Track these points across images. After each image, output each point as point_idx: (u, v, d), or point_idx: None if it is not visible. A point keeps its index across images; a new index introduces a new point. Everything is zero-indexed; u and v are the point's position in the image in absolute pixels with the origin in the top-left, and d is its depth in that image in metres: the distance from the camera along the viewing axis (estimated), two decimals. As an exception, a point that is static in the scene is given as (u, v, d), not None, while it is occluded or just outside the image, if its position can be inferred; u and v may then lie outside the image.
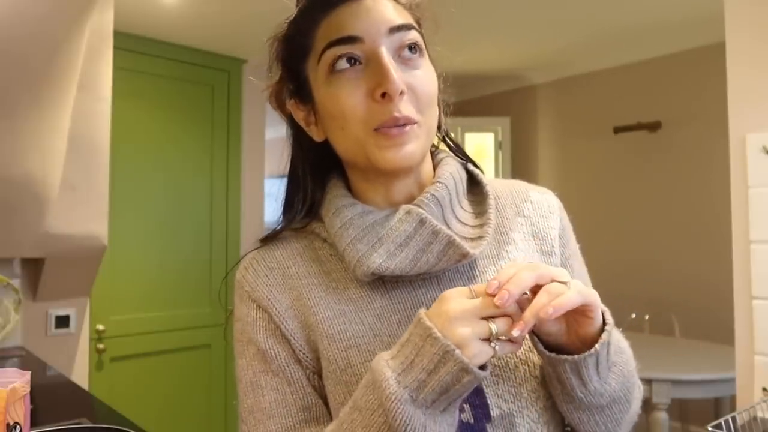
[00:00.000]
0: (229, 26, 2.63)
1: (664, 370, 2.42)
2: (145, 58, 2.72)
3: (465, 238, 0.62)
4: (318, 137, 0.66)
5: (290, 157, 0.69)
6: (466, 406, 0.59)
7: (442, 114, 0.71)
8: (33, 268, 2.04)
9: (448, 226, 0.63)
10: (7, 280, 1.52)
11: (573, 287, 0.53)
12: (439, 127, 0.70)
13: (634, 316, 3.55)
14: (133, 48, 2.64)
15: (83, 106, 1.84)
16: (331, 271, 0.65)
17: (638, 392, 0.68)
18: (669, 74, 3.76)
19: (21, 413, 0.56)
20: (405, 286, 0.63)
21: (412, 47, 0.62)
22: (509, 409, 0.59)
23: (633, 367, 0.67)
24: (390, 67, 0.58)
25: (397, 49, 0.61)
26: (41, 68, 1.64)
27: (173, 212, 2.80)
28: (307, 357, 0.63)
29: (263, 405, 0.62)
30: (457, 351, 0.49)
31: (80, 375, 2.16)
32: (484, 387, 0.59)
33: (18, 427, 0.55)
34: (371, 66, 0.59)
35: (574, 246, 0.74)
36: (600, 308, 0.57)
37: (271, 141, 7.37)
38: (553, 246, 0.70)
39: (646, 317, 3.51)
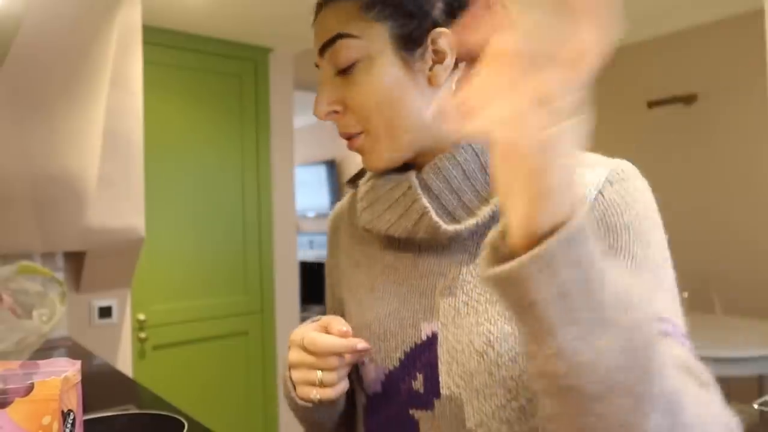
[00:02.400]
0: (254, 16, 2.64)
1: (704, 347, 2.37)
2: (172, 51, 2.75)
3: (450, 213, 0.60)
4: None
5: None
6: (420, 376, 0.60)
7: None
8: (75, 261, 2.10)
9: (442, 199, 0.61)
10: (51, 273, 1.57)
11: None
12: None
13: (672, 293, 3.48)
14: (160, 42, 2.68)
15: (116, 101, 1.88)
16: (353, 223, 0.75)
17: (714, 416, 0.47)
18: (704, 44, 3.63)
19: (74, 401, 0.58)
20: (411, 249, 0.64)
21: (340, 63, 0.59)
22: (459, 394, 0.58)
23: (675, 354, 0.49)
24: (317, 94, 0.61)
25: (335, 65, 0.60)
26: (74, 66, 1.67)
27: (206, 203, 2.84)
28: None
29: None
30: (293, 393, 0.64)
31: (124, 363, 2.22)
32: (439, 364, 0.59)
33: (72, 414, 0.57)
34: None
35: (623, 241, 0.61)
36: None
37: (300, 129, 7.37)
38: None
39: (685, 294, 3.44)
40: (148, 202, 2.29)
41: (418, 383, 0.61)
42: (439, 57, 0.59)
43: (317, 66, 0.63)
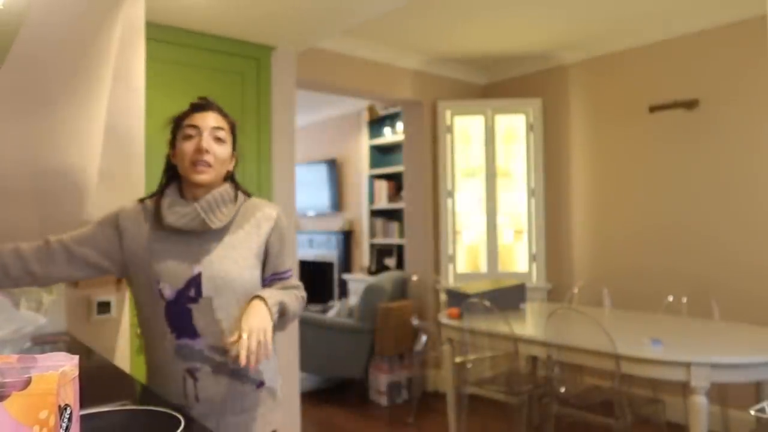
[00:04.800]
0: (257, 14, 2.64)
1: (703, 353, 2.37)
2: (175, 48, 2.75)
3: (216, 219, 1.40)
4: (173, 160, 1.47)
5: (164, 169, 1.51)
6: (193, 289, 1.38)
7: (233, 171, 1.51)
8: (75, 256, 2.09)
9: (211, 213, 1.40)
10: None
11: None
12: (232, 175, 1.51)
13: (671, 298, 3.48)
14: (163, 38, 2.68)
15: (118, 97, 1.88)
16: (157, 222, 1.43)
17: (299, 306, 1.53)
18: (706, 50, 3.63)
19: (71, 395, 0.58)
20: (186, 234, 1.41)
21: (220, 136, 1.43)
22: (211, 296, 1.38)
23: (296, 311, 1.49)
24: (204, 139, 1.40)
25: (213, 134, 1.42)
26: (77, 61, 1.67)
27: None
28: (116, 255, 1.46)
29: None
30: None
31: (122, 359, 2.22)
32: (202, 283, 1.38)
33: (69, 408, 0.57)
34: (200, 138, 1.41)
35: (278, 238, 1.51)
36: (263, 324, 1.32)
37: (300, 128, 7.37)
38: (263, 234, 1.48)
39: (684, 300, 3.44)
40: (149, 198, 2.30)
41: (191, 292, 1.38)
42: (233, 158, 1.50)
43: (196, 126, 1.42)
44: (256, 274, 1.46)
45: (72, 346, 1.91)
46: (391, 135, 5.79)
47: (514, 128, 4.55)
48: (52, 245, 1.42)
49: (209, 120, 1.40)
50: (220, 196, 1.42)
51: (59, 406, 0.55)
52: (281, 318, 1.41)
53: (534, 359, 3.50)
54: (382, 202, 5.81)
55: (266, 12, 2.62)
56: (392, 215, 5.82)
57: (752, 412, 0.86)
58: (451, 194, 4.51)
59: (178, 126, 1.44)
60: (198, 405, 1.39)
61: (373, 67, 4.23)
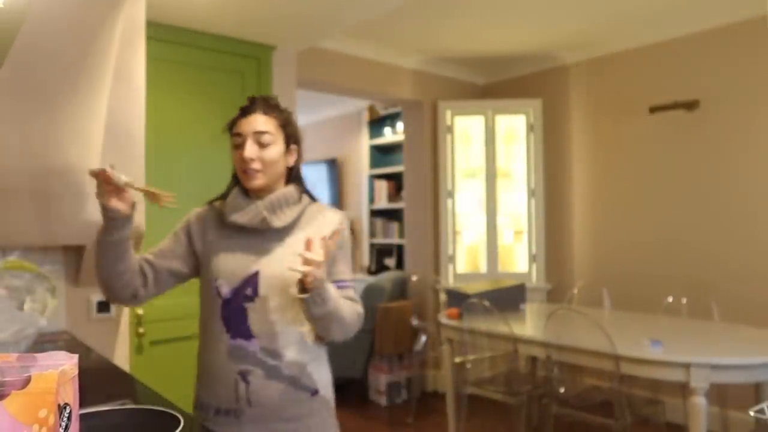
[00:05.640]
0: (257, 13, 2.64)
1: (702, 354, 2.37)
2: (175, 48, 2.75)
3: (278, 219, 1.41)
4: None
5: (233, 175, 1.50)
6: (249, 288, 1.38)
7: (299, 166, 1.50)
8: (75, 255, 2.10)
9: (273, 213, 1.40)
10: (37, 269, 1.57)
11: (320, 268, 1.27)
12: (295, 172, 1.50)
13: (670, 299, 3.48)
14: (164, 38, 2.68)
15: (119, 96, 1.88)
16: (222, 221, 1.47)
17: (356, 320, 1.47)
18: (706, 51, 3.63)
19: (71, 394, 0.58)
20: (248, 233, 1.42)
21: (263, 141, 1.40)
22: (267, 295, 1.38)
23: (346, 314, 1.40)
24: (247, 149, 1.39)
25: (256, 140, 1.39)
26: (78, 60, 1.67)
27: (207, 199, 2.84)
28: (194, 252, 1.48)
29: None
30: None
31: (122, 358, 2.22)
32: (259, 282, 1.38)
33: (68, 407, 0.57)
34: (244, 146, 1.40)
35: (339, 245, 1.45)
36: (320, 285, 1.29)
37: (301, 128, 7.35)
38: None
39: (684, 300, 3.44)
40: (149, 198, 2.29)
41: (248, 291, 1.38)
42: (290, 153, 1.46)
43: (239, 134, 1.41)
44: None
45: (72, 345, 1.91)
46: (391, 135, 5.79)
47: (514, 128, 4.55)
48: (144, 269, 1.41)
49: (253, 124, 1.38)
50: (283, 197, 1.42)
51: (59, 405, 0.55)
52: (326, 314, 1.33)
53: (533, 360, 3.49)
54: (382, 202, 5.81)
55: (266, 12, 2.62)
56: (392, 215, 5.82)
57: (752, 413, 0.86)
58: (451, 194, 4.51)
59: (231, 133, 1.44)
60: (249, 409, 1.36)
61: (374, 67, 4.23)
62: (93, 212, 1.88)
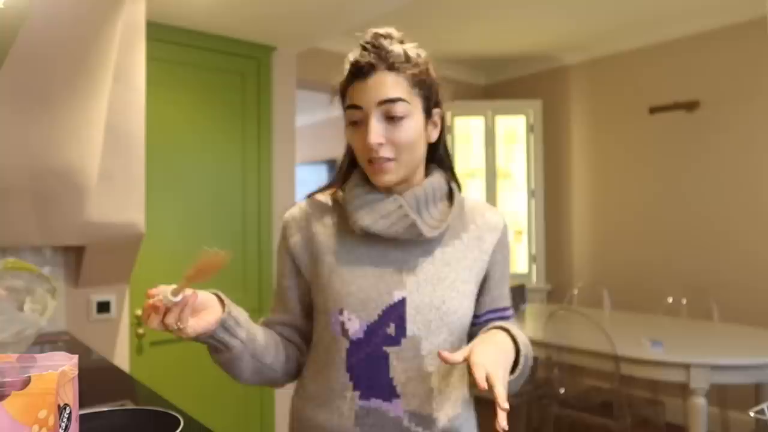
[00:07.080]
0: (258, 14, 2.64)
1: (702, 354, 2.37)
2: (175, 48, 2.75)
3: (426, 224, 0.96)
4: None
5: (345, 151, 1.07)
6: (392, 325, 0.94)
7: (444, 141, 1.05)
8: (74, 255, 2.10)
9: (419, 215, 0.97)
10: (37, 269, 1.57)
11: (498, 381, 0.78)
12: (435, 150, 1.04)
13: (670, 300, 3.48)
14: (164, 38, 2.68)
15: (118, 96, 1.88)
16: (339, 224, 1.02)
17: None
18: (707, 52, 3.64)
19: (70, 395, 0.58)
20: (382, 242, 0.98)
21: (395, 114, 0.92)
22: (419, 335, 0.94)
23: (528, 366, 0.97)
24: (371, 129, 0.91)
25: (383, 113, 0.92)
26: (77, 61, 1.67)
27: (207, 200, 2.84)
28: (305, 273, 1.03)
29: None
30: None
31: (121, 358, 2.22)
32: (406, 317, 0.94)
33: (68, 408, 0.57)
34: (366, 125, 0.92)
35: (504, 258, 1.05)
36: (503, 374, 0.80)
37: (301, 128, 7.36)
38: (487, 250, 1.02)
39: (684, 301, 3.43)
40: (149, 198, 2.29)
41: (390, 329, 0.94)
42: (433, 123, 1.00)
43: (357, 107, 0.93)
44: (474, 307, 1.02)
45: (71, 345, 1.91)
46: (391, 135, 5.80)
47: (514, 129, 4.55)
48: (288, 336, 1.06)
49: (376, 91, 0.91)
50: (432, 190, 0.98)
51: (58, 406, 0.55)
52: (523, 377, 0.94)
53: (533, 360, 3.49)
54: (382, 203, 5.81)
55: (266, 12, 2.62)
56: (392, 216, 5.81)
57: (752, 414, 0.86)
58: (451, 195, 4.51)
59: (343, 105, 0.97)
60: None
61: (374, 67, 4.22)
62: (93, 213, 1.88)
